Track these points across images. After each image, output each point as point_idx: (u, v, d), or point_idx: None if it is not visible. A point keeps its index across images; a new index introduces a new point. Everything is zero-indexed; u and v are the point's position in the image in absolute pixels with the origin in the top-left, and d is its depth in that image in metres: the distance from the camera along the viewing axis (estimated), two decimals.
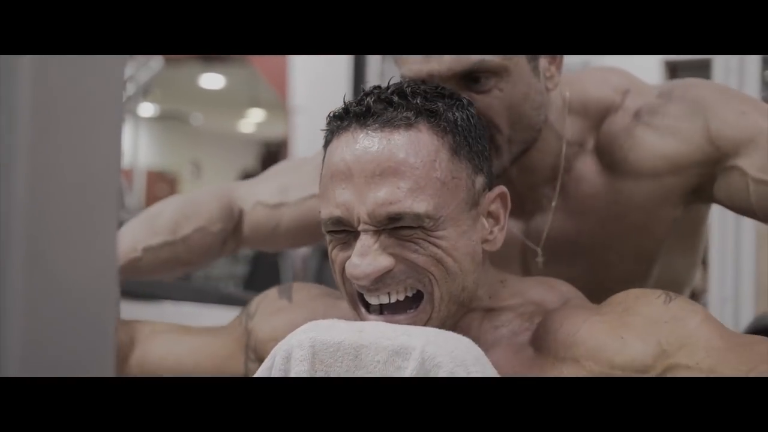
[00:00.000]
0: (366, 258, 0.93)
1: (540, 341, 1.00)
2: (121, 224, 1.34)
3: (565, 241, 1.20)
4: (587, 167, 1.19)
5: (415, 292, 0.97)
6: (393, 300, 0.96)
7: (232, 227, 1.37)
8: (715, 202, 1.18)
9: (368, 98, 0.96)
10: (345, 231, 0.96)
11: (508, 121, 1.09)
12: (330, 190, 0.96)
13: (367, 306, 0.98)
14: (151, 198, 8.23)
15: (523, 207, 1.23)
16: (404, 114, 0.95)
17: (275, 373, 0.91)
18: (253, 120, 10.77)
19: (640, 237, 1.19)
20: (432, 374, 0.85)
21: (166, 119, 10.59)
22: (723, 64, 2.13)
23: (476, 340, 0.97)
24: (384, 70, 3.19)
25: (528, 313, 1.04)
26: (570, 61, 1.16)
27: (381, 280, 0.95)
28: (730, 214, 1.98)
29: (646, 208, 1.17)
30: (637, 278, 1.24)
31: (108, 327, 0.49)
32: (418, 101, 0.96)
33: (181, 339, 1.21)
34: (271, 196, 1.36)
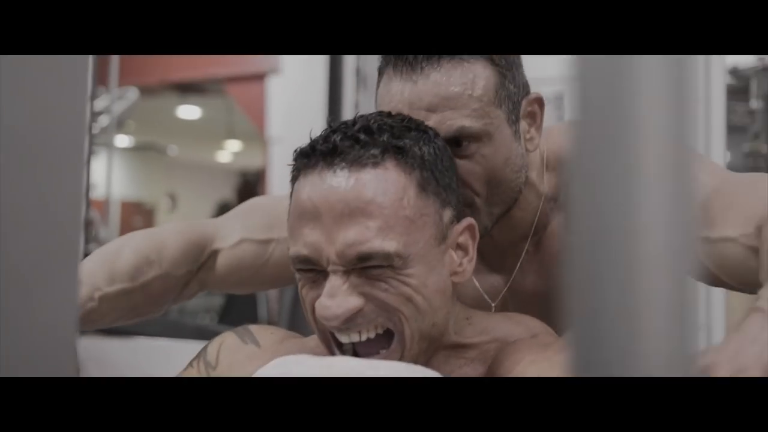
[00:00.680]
0: (336, 299, 0.93)
1: (490, 373, 1.01)
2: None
3: (539, 296, 1.22)
4: (560, 222, 1.20)
5: (386, 329, 0.97)
6: (364, 338, 0.96)
7: (197, 269, 1.30)
8: None
9: (335, 136, 0.96)
10: (314, 270, 0.96)
11: (489, 186, 1.10)
12: (298, 229, 0.95)
13: (340, 345, 0.98)
14: (126, 229, 8.16)
15: (503, 261, 1.23)
16: (371, 152, 0.94)
17: None
18: (230, 150, 10.75)
19: None
20: None
21: (142, 150, 10.55)
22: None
23: (450, 375, 0.98)
24: (360, 101, 3.18)
25: (493, 349, 1.03)
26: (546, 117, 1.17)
27: (351, 320, 0.94)
28: None
29: None
30: None
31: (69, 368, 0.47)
32: (385, 138, 0.95)
33: None
34: (259, 232, 1.30)
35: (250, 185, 10.20)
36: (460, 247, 1.01)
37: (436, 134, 1.02)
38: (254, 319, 4.30)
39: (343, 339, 0.96)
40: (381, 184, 0.93)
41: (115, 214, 6.78)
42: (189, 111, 8.45)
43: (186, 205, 10.90)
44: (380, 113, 1.04)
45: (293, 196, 0.98)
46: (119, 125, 4.95)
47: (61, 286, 0.42)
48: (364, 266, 0.93)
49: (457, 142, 1.07)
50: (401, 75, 1.07)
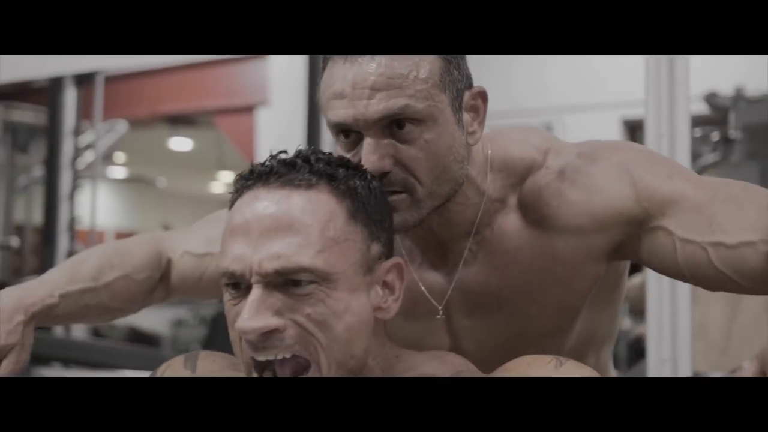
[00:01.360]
0: (254, 312, 0.94)
1: None
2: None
3: (488, 294, 1.21)
4: (510, 223, 1.20)
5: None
6: (279, 357, 0.96)
7: (159, 276, 1.36)
8: (640, 262, 1.20)
9: (273, 160, 0.99)
10: (239, 286, 0.97)
11: (431, 174, 1.10)
12: (228, 245, 0.97)
13: (259, 367, 0.98)
14: None
15: (446, 259, 1.23)
16: (306, 175, 0.97)
17: None
18: (222, 181, 10.77)
19: (563, 291, 1.21)
20: None
21: (135, 182, 10.58)
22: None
23: None
24: None
25: None
26: (489, 121, 1.19)
27: (268, 339, 0.95)
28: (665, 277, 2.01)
29: (571, 263, 1.18)
30: (558, 331, 1.25)
31: None
32: (321, 166, 0.98)
33: None
34: (198, 246, 1.35)
35: None
36: (386, 285, 1.02)
37: (373, 177, 1.04)
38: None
39: (259, 357, 0.97)
40: (311, 204, 0.96)
41: None
42: (181, 143, 8.48)
43: None
44: (319, 150, 1.06)
45: (229, 216, 1.00)
46: (106, 158, 4.97)
47: None
48: (287, 282, 0.94)
49: (399, 124, 1.07)
50: (345, 59, 1.07)
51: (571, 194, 1.17)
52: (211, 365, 1.15)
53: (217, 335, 4.48)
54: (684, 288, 2.07)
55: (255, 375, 0.98)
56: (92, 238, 4.72)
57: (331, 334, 0.96)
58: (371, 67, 1.05)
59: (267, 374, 0.98)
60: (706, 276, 1.11)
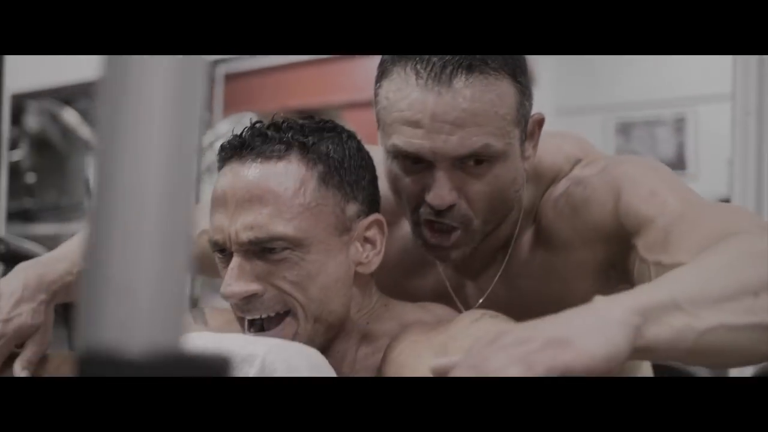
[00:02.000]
0: (235, 278, 1.01)
1: (384, 356, 1.04)
2: None
3: (506, 305, 1.18)
4: (527, 235, 1.19)
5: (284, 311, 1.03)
6: (264, 316, 1.03)
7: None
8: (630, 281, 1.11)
9: (246, 132, 1.04)
10: (224, 252, 1.04)
11: (490, 206, 1.09)
12: (211, 215, 1.04)
13: (250, 324, 1.04)
14: None
15: (479, 273, 1.22)
16: (276, 146, 1.02)
17: None
18: None
19: (557, 308, 1.16)
20: None
21: None
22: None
23: (353, 364, 1.06)
24: None
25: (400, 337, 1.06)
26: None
27: (250, 302, 1.02)
28: None
29: (563, 279, 1.15)
30: None
31: None
32: (290, 135, 1.03)
33: None
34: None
35: None
36: (367, 240, 1.07)
37: (351, 136, 1.07)
38: None
39: (246, 316, 1.04)
40: (281, 175, 1.01)
41: None
42: None
43: None
44: (291, 116, 1.09)
45: (213, 187, 1.05)
46: None
47: None
48: (263, 249, 1.00)
49: (477, 160, 1.04)
50: (424, 83, 1.02)
51: (563, 208, 1.14)
52: (218, 318, 1.19)
53: None
54: None
55: (247, 331, 1.04)
56: None
57: (308, 294, 1.02)
58: (454, 99, 1.01)
59: (255, 329, 1.04)
60: None
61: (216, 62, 4.36)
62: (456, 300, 1.23)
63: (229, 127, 4.95)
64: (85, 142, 4.72)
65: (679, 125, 4.22)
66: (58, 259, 1.24)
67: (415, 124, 1.03)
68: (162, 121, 0.45)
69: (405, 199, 1.10)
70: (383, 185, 1.11)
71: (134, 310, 0.44)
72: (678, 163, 4.07)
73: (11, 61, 3.88)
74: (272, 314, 1.03)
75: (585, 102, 4.23)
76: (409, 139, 1.04)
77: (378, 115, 1.10)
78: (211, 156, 5.42)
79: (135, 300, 0.44)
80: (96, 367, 0.43)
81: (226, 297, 1.02)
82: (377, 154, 1.11)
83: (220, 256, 1.04)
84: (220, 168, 1.06)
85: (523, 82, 1.06)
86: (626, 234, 1.08)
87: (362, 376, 1.06)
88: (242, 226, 1.00)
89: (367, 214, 1.07)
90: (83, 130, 4.71)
